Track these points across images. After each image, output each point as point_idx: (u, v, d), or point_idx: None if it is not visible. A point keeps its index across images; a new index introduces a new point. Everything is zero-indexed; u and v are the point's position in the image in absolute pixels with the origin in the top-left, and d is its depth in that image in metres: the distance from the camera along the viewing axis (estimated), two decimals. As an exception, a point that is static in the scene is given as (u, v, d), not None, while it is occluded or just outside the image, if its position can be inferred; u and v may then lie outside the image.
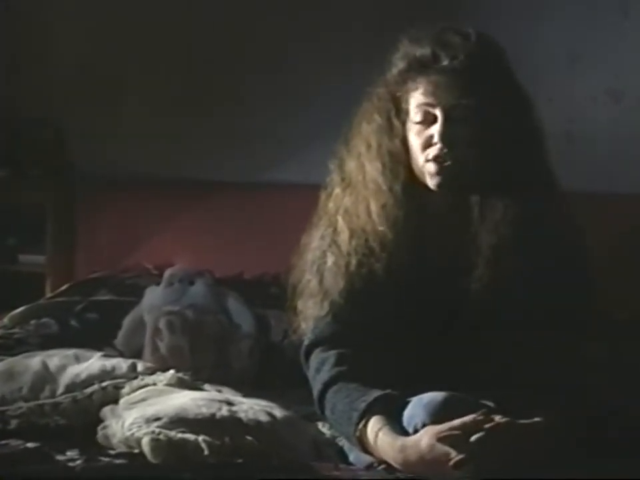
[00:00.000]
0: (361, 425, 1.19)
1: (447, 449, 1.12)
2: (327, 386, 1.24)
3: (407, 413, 1.19)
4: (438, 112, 1.24)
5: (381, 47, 1.27)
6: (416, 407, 1.18)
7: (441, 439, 1.13)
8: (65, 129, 2.13)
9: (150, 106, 2.11)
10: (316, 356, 1.28)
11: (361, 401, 1.20)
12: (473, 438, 1.12)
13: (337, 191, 1.30)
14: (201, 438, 1.20)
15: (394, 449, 1.16)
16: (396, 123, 1.27)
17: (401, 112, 1.27)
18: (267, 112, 2.06)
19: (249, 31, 2.07)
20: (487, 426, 1.12)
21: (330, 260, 1.27)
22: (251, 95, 2.07)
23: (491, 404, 1.19)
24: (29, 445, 1.25)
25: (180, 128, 2.09)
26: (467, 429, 1.12)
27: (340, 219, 1.28)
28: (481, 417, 1.13)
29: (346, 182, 1.29)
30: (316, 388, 1.26)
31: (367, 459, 1.21)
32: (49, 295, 1.96)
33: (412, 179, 1.27)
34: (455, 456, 1.11)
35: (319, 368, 1.26)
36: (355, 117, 1.30)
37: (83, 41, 2.12)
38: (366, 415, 1.19)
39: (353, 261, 1.25)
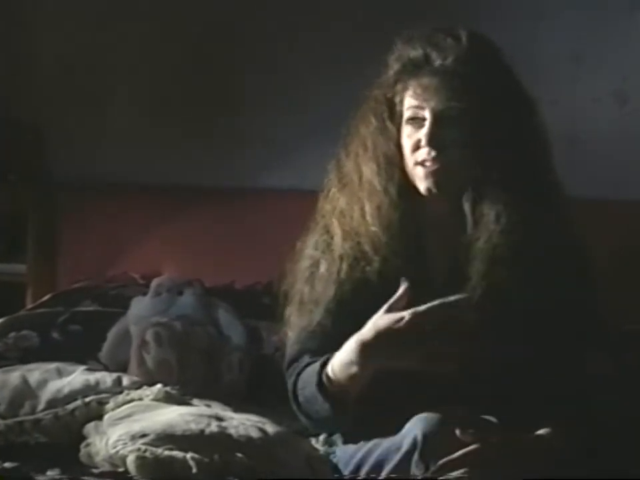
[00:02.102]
0: (323, 375, 1.20)
1: (402, 315, 1.14)
2: (301, 371, 1.26)
3: (405, 427, 1.19)
4: (427, 114, 1.25)
5: (377, 47, 1.29)
6: (414, 420, 1.19)
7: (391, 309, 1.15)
8: (45, 130, 2.12)
9: (136, 108, 2.11)
10: (299, 362, 1.28)
11: (324, 358, 1.22)
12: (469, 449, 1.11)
13: (334, 191, 1.32)
14: (189, 455, 1.20)
15: (350, 348, 1.17)
16: (389, 125, 1.29)
17: (395, 114, 1.29)
18: (258, 115, 2.06)
19: (239, 31, 2.07)
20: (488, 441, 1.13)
21: (322, 267, 1.28)
22: (242, 97, 2.07)
23: (492, 419, 1.20)
24: (7, 465, 1.24)
25: (168, 131, 2.09)
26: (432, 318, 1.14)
27: (335, 220, 1.30)
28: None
29: (342, 183, 1.31)
30: (290, 381, 1.27)
31: (352, 450, 1.21)
32: (29, 305, 1.96)
33: (407, 181, 1.29)
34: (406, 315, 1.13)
35: (297, 366, 1.27)
36: (353, 119, 1.32)
37: (65, 38, 2.11)
38: (326, 364, 1.21)
39: (344, 266, 1.26)
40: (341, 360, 1.21)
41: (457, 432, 1.14)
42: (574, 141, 1.95)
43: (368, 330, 1.18)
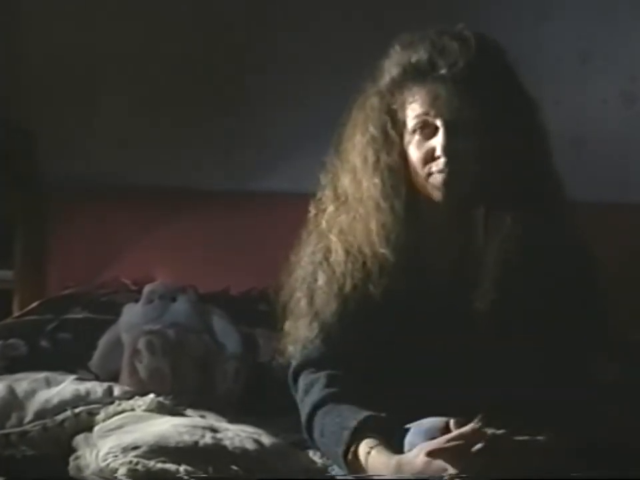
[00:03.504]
0: (352, 446, 1.19)
1: (444, 464, 1.13)
2: (316, 407, 1.25)
3: (407, 441, 1.20)
4: (439, 123, 1.24)
5: (377, 50, 1.28)
6: (416, 434, 1.19)
7: (437, 453, 1.13)
8: (34, 132, 2.12)
9: (128, 108, 2.10)
10: (305, 377, 1.28)
11: (352, 419, 1.21)
12: (474, 449, 1.12)
13: (331, 208, 1.29)
14: (182, 468, 1.19)
15: (388, 467, 1.16)
16: (393, 135, 1.26)
17: (397, 123, 1.27)
18: (254, 116, 2.06)
19: (235, 31, 2.07)
20: (489, 432, 1.13)
21: (321, 279, 1.27)
22: (236, 97, 2.07)
23: (497, 431, 1.20)
24: (-7, 479, 1.24)
25: (161, 132, 2.09)
26: (465, 440, 1.13)
27: (334, 238, 1.27)
28: (477, 425, 1.14)
29: (340, 199, 1.29)
30: (304, 410, 1.26)
31: None
32: (17, 313, 1.94)
33: (413, 194, 1.27)
34: (452, 471, 1.12)
35: (308, 389, 1.27)
36: (346, 127, 1.29)
37: (55, 38, 2.11)
38: (357, 433, 1.19)
39: (348, 284, 1.25)
40: (377, 470, 1.17)
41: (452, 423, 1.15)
42: (580, 143, 1.95)
43: (410, 470, 1.15)
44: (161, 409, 1.40)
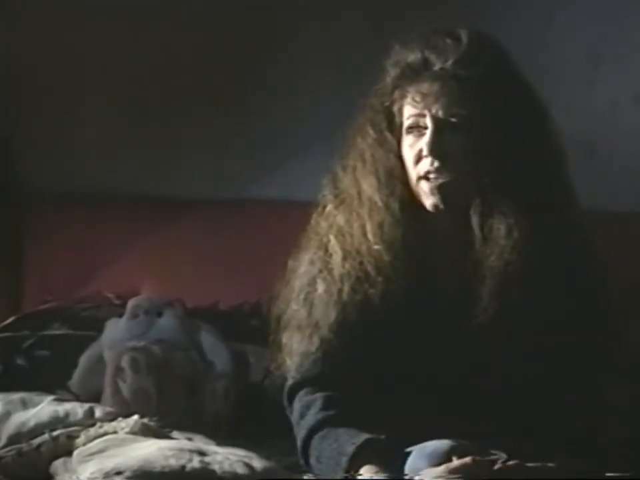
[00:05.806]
0: (351, 472, 1.19)
1: None
2: (312, 431, 1.25)
3: (409, 464, 1.20)
4: (428, 121, 1.26)
5: (378, 53, 1.29)
6: (418, 458, 1.19)
7: None
8: (11, 138, 2.12)
9: (112, 115, 2.10)
10: (300, 399, 1.29)
11: (350, 443, 1.21)
12: None
13: (330, 207, 1.32)
14: (168, 494, 1.20)
15: None
16: (389, 136, 1.30)
17: (394, 125, 1.30)
18: (245, 121, 2.06)
19: (228, 33, 2.07)
20: (495, 467, 1.13)
21: (320, 287, 1.29)
22: (228, 101, 2.07)
23: (502, 454, 1.19)
24: (-37, 508, 1.24)
25: (145, 137, 2.09)
26: (467, 471, 1.13)
27: (332, 238, 1.30)
28: (481, 458, 1.14)
29: (340, 198, 1.32)
30: (300, 434, 1.27)
31: None
32: (-8, 329, 1.96)
33: (410, 195, 1.29)
34: None
35: (304, 413, 1.27)
36: (350, 130, 1.33)
37: (33, 44, 2.11)
38: (355, 459, 1.20)
39: (346, 287, 1.27)
40: None
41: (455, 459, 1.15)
42: (591, 149, 1.96)
43: None
44: (145, 431, 1.39)
